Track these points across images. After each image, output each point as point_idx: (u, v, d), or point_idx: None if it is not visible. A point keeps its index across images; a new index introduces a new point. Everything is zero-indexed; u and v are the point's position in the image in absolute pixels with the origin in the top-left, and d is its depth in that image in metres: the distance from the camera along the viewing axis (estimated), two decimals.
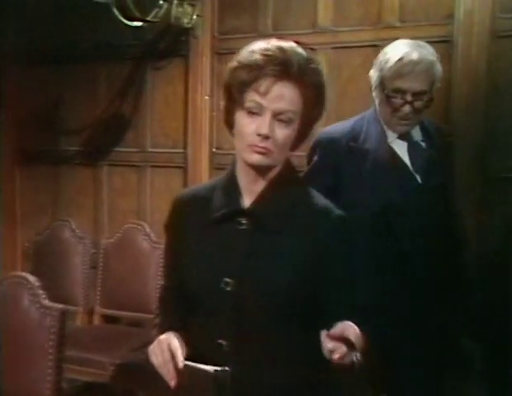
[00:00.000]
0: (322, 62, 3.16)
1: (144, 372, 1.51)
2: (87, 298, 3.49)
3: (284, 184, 1.48)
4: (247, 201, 1.49)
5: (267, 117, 1.38)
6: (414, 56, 1.97)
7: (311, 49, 3.18)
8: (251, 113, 1.40)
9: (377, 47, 3.05)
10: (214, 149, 3.47)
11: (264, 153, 1.40)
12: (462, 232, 2.25)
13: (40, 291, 2.14)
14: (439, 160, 2.10)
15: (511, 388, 2.46)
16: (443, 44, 2.81)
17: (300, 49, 1.43)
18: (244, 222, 1.46)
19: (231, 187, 1.50)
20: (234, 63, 1.43)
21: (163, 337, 1.44)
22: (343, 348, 1.24)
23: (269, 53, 1.38)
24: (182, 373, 1.37)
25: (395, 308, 1.99)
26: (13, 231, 4.09)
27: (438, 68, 2.03)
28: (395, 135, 2.07)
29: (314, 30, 3.22)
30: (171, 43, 3.54)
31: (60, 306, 2.13)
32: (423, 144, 2.09)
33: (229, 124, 1.48)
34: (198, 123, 3.45)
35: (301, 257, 1.43)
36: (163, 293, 1.68)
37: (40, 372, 2.09)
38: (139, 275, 3.33)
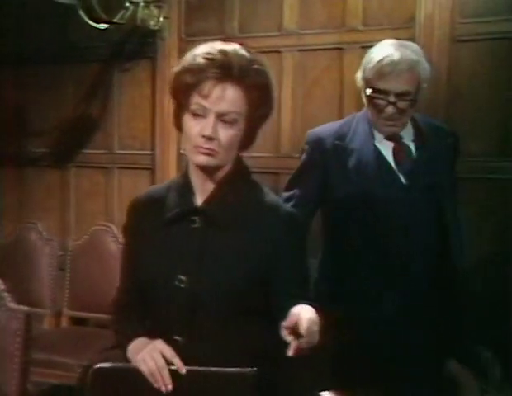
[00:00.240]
0: (288, 64, 3.24)
1: (113, 374, 1.52)
2: (54, 300, 3.47)
3: (235, 182, 1.53)
4: (199, 200, 1.53)
5: (210, 119, 1.43)
6: (395, 56, 1.94)
7: (277, 51, 3.25)
8: (196, 115, 1.45)
9: (342, 50, 3.13)
10: (182, 151, 3.46)
11: (209, 153, 1.45)
12: (455, 235, 2.13)
13: (6, 294, 2.12)
14: (432, 161, 2.04)
15: None
16: None
17: (242, 51, 1.46)
18: (196, 220, 1.51)
19: (185, 187, 1.55)
20: (178, 68, 1.48)
21: (153, 344, 1.44)
22: (295, 343, 1.27)
23: (211, 56, 1.42)
24: (179, 378, 1.40)
25: (380, 306, 2.01)
26: None
27: (424, 67, 1.99)
28: (383, 136, 2.05)
29: (280, 32, 3.26)
30: (138, 45, 3.55)
31: (26, 309, 2.11)
32: (412, 145, 2.05)
33: (179, 126, 1.53)
34: (166, 125, 3.45)
35: (252, 253, 1.48)
36: (120, 296, 1.68)
37: (5, 375, 2.07)
38: (107, 276, 3.31)
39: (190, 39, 3.43)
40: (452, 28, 2.86)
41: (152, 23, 3.32)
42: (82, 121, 3.76)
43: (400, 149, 2.04)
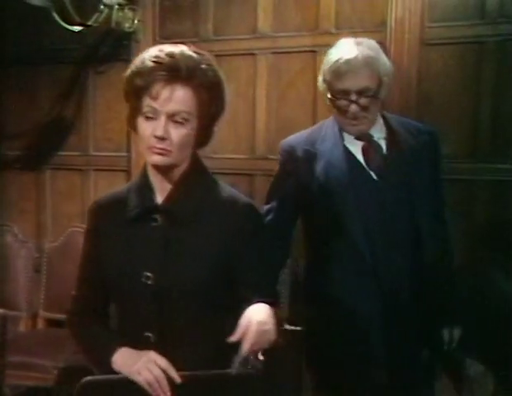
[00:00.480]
0: (262, 66, 3.27)
1: (88, 375, 1.53)
2: (30, 302, 3.48)
3: (192, 179, 1.58)
4: (159, 199, 1.58)
5: (161, 120, 1.47)
6: (350, 54, 1.93)
7: (251, 53, 3.28)
8: (148, 117, 1.49)
9: (315, 53, 3.17)
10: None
11: (163, 153, 1.49)
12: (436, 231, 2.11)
13: None
14: (404, 158, 2.02)
15: None
16: None
17: (190, 53, 1.51)
18: (158, 218, 1.56)
19: (144, 187, 1.59)
20: (128, 72, 1.52)
21: (147, 356, 1.46)
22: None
23: (159, 59, 1.47)
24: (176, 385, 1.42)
25: (355, 307, 2.01)
26: None
27: (383, 61, 1.99)
28: (353, 137, 2.04)
29: (254, 35, 3.28)
30: (113, 47, 3.55)
31: (1, 311, 2.13)
32: (384, 143, 2.04)
33: (134, 128, 1.56)
34: None
35: (213, 246, 1.54)
36: (81, 300, 1.69)
37: None
38: None
39: (164, 41, 3.44)
40: (422, 32, 2.91)
41: (127, 26, 3.33)
42: (57, 123, 3.75)
43: (369, 147, 2.03)
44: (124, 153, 3.59)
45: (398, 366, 2.01)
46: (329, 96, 2.00)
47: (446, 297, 2.12)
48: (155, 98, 1.47)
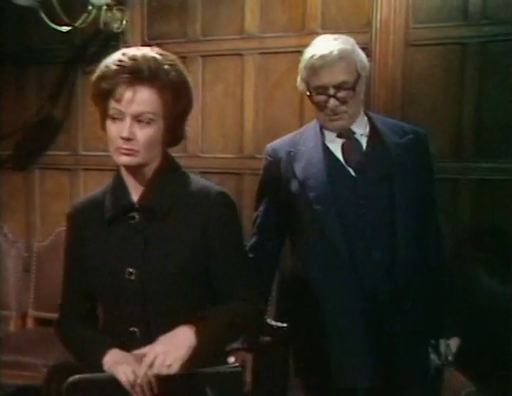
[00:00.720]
0: (250, 67, 3.30)
1: (78, 373, 1.55)
2: (20, 302, 3.49)
3: (165, 175, 1.62)
4: (135, 197, 1.62)
5: (127, 121, 1.50)
6: (325, 50, 1.92)
7: (239, 54, 3.31)
8: (114, 119, 1.52)
9: (302, 53, 3.19)
10: None
11: (129, 154, 1.53)
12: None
13: None
14: (385, 155, 2.00)
15: None
16: (363, 51, 2.95)
17: (153, 54, 1.54)
18: (135, 216, 1.60)
19: (119, 187, 1.63)
20: (94, 76, 1.56)
21: (135, 356, 1.49)
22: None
23: (121, 63, 1.50)
24: (165, 383, 1.44)
25: (331, 307, 2.00)
26: None
27: (359, 55, 1.98)
28: (334, 134, 2.02)
29: (241, 35, 3.31)
30: (101, 47, 3.55)
31: None
32: (365, 140, 2.02)
33: (105, 130, 1.59)
34: None
35: (191, 237, 1.59)
36: (68, 303, 1.73)
37: None
38: None
39: (153, 42, 3.45)
40: (407, 33, 2.95)
41: (115, 26, 3.35)
42: (46, 123, 3.76)
43: (349, 144, 2.02)
44: None
45: (384, 367, 1.98)
46: (307, 93, 1.99)
47: (439, 303, 2.07)
48: (119, 100, 1.50)
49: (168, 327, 1.52)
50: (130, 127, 1.50)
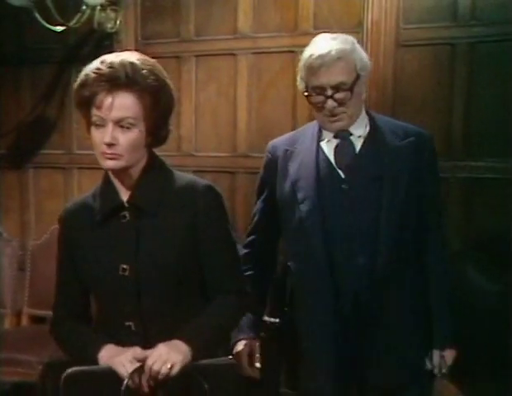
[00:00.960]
0: (243, 66, 3.32)
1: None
2: (15, 299, 3.51)
3: (151, 174, 1.67)
4: (124, 197, 1.66)
5: (109, 127, 1.55)
6: (324, 49, 1.89)
7: (232, 54, 3.34)
8: (97, 125, 1.58)
9: (294, 53, 3.23)
10: None
11: (114, 158, 1.58)
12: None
13: None
14: (380, 157, 1.96)
15: None
16: None
17: (131, 60, 1.59)
18: (126, 215, 1.65)
19: (108, 189, 1.68)
20: (76, 84, 1.60)
21: (131, 351, 1.54)
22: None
23: (99, 71, 1.55)
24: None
25: (310, 310, 1.99)
26: None
27: (359, 55, 1.94)
28: (332, 134, 1.99)
29: (234, 35, 3.34)
30: (95, 47, 3.58)
31: None
32: (360, 141, 1.98)
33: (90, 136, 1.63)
34: None
35: (180, 230, 1.64)
36: (62, 303, 1.77)
37: None
38: None
39: (146, 41, 3.50)
40: (398, 33, 2.98)
41: (109, 26, 3.37)
42: (40, 122, 3.78)
43: (342, 146, 1.99)
44: None
45: (362, 375, 1.97)
46: (305, 93, 1.97)
47: (435, 310, 2.02)
48: (100, 107, 1.55)
49: (162, 319, 1.60)
50: (112, 132, 1.55)
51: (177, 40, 3.44)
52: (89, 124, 1.60)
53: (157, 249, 1.62)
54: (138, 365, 1.49)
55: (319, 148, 2.02)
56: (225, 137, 3.41)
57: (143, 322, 1.62)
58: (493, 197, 2.92)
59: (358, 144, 2.00)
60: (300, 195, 1.99)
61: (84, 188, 3.68)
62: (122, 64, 1.56)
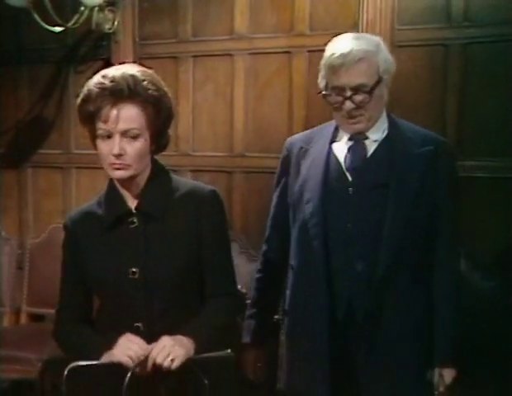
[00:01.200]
0: (239, 67, 3.35)
1: None
2: (13, 298, 3.53)
3: (157, 181, 1.73)
4: (131, 204, 1.72)
5: (116, 139, 1.60)
6: (346, 48, 1.82)
7: (229, 54, 3.37)
8: (103, 138, 1.62)
9: (290, 53, 3.26)
10: None
11: (122, 168, 1.63)
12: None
13: None
14: (390, 163, 1.89)
15: None
16: None
17: (131, 72, 1.63)
18: (135, 220, 1.70)
19: (115, 197, 1.73)
20: (78, 100, 1.64)
21: (127, 338, 1.59)
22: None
23: (102, 85, 1.59)
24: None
25: (305, 315, 1.98)
26: None
27: (382, 57, 1.86)
28: (347, 136, 1.94)
29: (231, 36, 3.36)
30: (93, 47, 3.62)
31: None
32: (375, 145, 1.92)
33: (96, 148, 1.67)
34: None
35: (186, 233, 1.71)
36: (66, 314, 1.80)
37: None
38: None
39: (144, 42, 3.52)
40: (392, 34, 3.00)
41: (107, 27, 3.39)
42: (39, 122, 3.80)
43: (354, 149, 1.93)
44: None
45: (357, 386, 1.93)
46: (324, 92, 1.90)
47: (437, 326, 1.93)
48: (106, 121, 1.59)
49: (169, 319, 1.65)
50: (119, 143, 1.60)
51: (175, 41, 3.47)
52: (94, 136, 1.65)
53: (165, 253, 1.68)
54: (142, 357, 1.52)
55: (330, 149, 1.97)
56: (222, 137, 3.43)
57: (151, 323, 1.68)
58: (487, 196, 2.94)
59: (371, 149, 1.93)
60: (306, 196, 1.96)
61: (83, 187, 3.72)
62: (124, 77, 1.60)
